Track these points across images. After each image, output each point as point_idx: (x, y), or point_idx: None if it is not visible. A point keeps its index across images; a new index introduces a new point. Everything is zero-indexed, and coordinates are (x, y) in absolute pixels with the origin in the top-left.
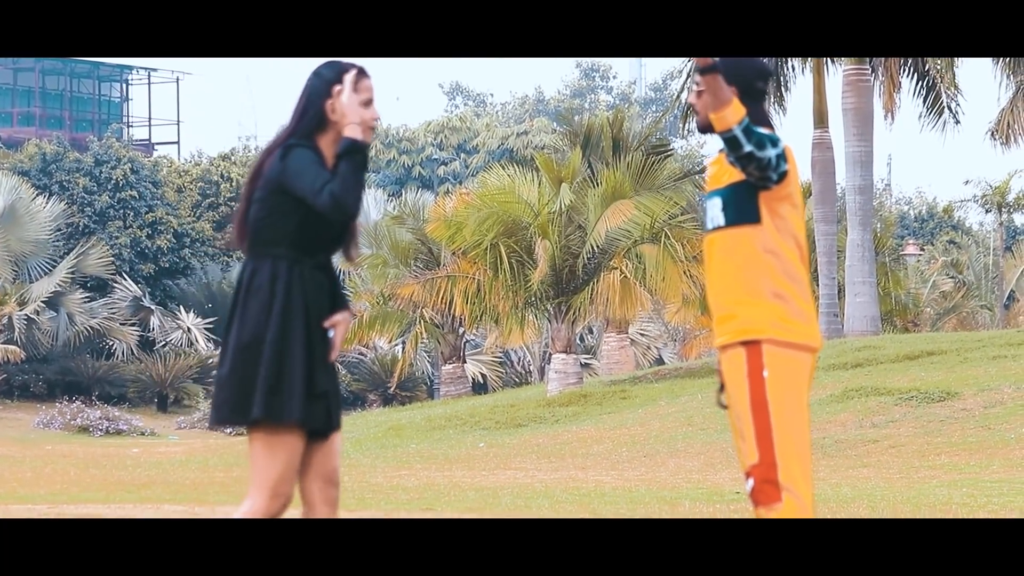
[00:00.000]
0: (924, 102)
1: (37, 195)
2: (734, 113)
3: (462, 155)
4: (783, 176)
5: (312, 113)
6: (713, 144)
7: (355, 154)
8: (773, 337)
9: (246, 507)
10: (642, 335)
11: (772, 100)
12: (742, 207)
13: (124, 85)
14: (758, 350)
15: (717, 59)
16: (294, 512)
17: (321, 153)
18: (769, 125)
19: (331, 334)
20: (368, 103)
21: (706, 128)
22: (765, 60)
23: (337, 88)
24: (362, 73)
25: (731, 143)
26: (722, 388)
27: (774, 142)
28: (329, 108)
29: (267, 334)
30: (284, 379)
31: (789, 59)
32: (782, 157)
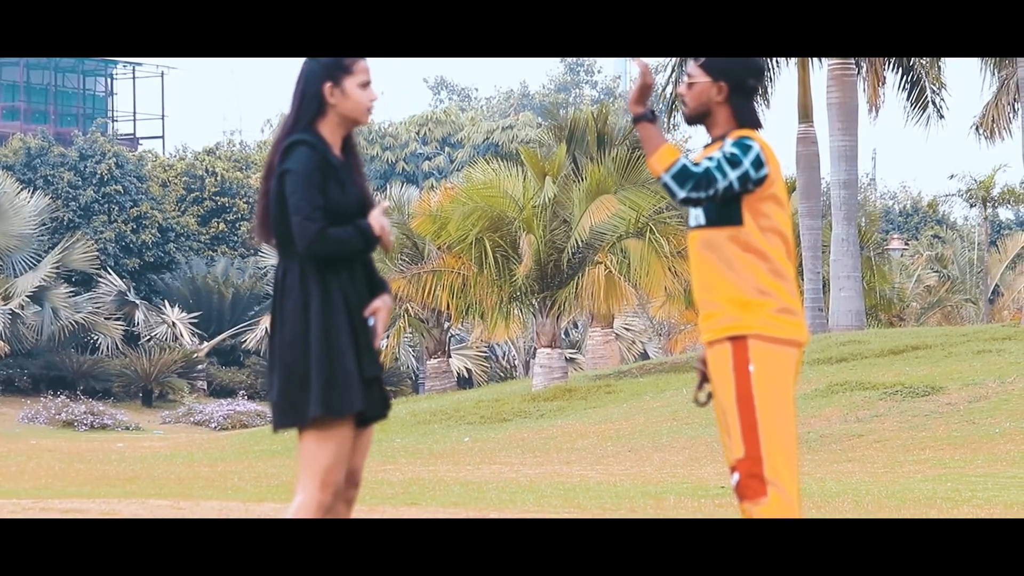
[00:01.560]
0: (908, 97)
1: (21, 189)
2: (660, 161)
3: (447, 149)
4: (763, 180)
5: (310, 97)
6: (698, 139)
7: (363, 241)
8: (759, 332)
9: (297, 501)
10: (627, 330)
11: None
12: (723, 209)
13: (109, 80)
14: (744, 345)
15: (648, 109)
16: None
17: (324, 142)
18: (757, 123)
19: (371, 321)
20: (365, 85)
21: (693, 120)
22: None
23: (336, 86)
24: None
25: (665, 189)
26: (700, 385)
27: (735, 162)
28: (327, 91)
29: (310, 331)
30: (338, 372)
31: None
32: (757, 163)
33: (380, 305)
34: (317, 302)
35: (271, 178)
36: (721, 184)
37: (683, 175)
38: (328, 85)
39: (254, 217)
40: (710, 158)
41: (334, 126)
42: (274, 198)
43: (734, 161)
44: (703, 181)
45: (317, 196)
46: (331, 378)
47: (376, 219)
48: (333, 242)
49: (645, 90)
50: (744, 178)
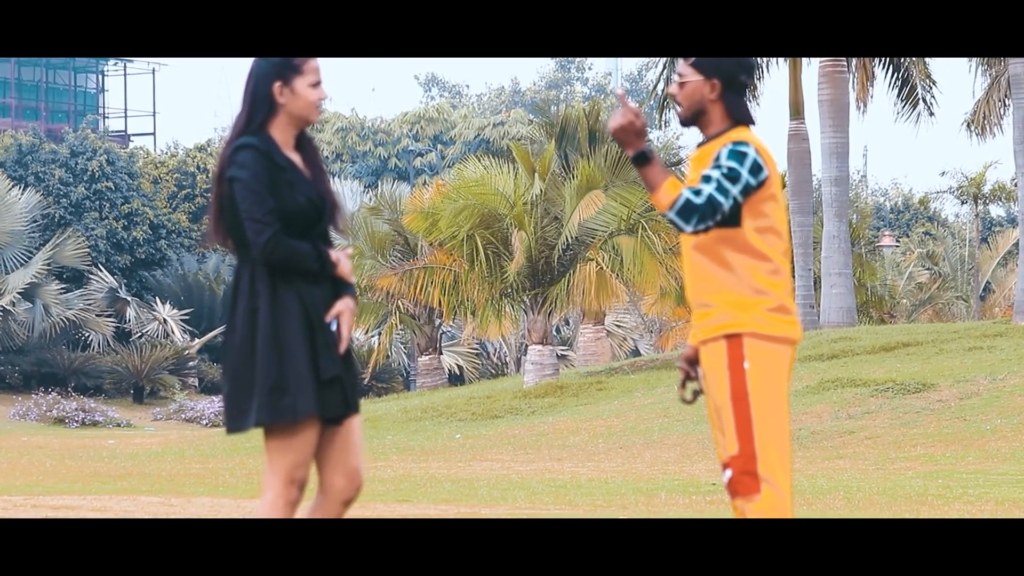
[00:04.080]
0: (899, 94)
1: (13, 186)
2: (665, 196)
3: (439, 146)
4: (763, 183)
5: (261, 99)
6: (691, 136)
7: (318, 263)
8: (754, 331)
9: (263, 500)
10: (618, 326)
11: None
12: None
13: (100, 76)
14: (739, 343)
15: (645, 146)
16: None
17: (272, 143)
18: (750, 119)
19: (334, 326)
20: (316, 84)
21: (688, 121)
22: None
23: (286, 86)
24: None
25: (672, 225)
26: (683, 383)
27: (734, 177)
28: (277, 91)
29: (257, 335)
30: (289, 376)
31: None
32: (755, 169)
33: (343, 308)
34: (265, 306)
35: (222, 181)
36: (726, 205)
37: (687, 211)
38: (278, 85)
39: (208, 219)
40: (707, 178)
41: (285, 126)
42: (226, 201)
43: (733, 176)
44: (707, 211)
45: (268, 199)
46: (279, 383)
47: (338, 256)
48: (288, 250)
49: (640, 132)
50: (745, 189)
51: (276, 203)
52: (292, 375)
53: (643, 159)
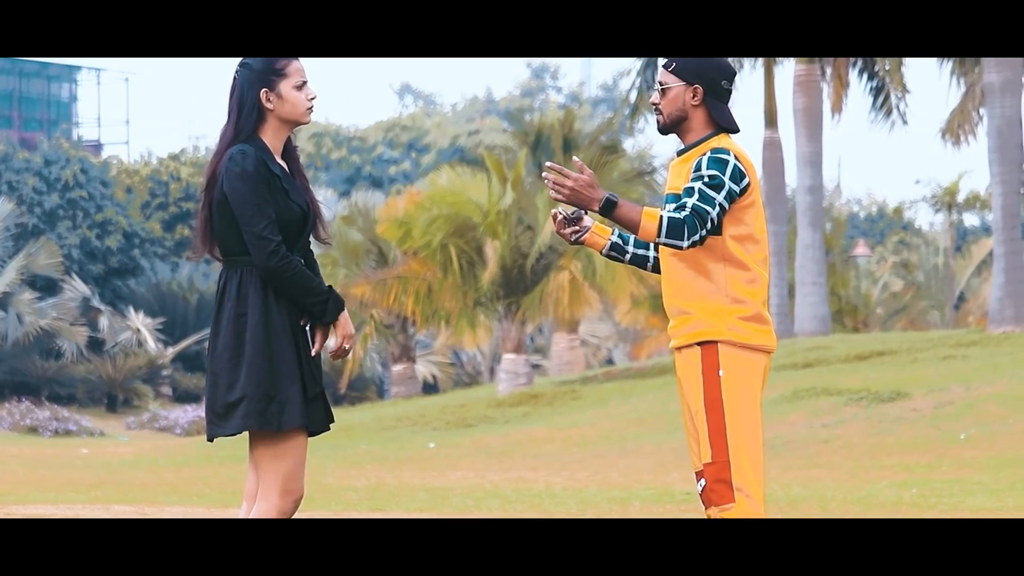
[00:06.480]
0: (874, 103)
1: None
2: (648, 225)
3: (413, 154)
4: (745, 190)
5: (249, 107)
6: (666, 145)
7: (322, 308)
8: (730, 339)
9: (258, 509)
10: (593, 336)
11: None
12: None
13: (73, 85)
14: (714, 350)
15: (605, 194)
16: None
17: (266, 150)
18: (734, 127)
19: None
20: (301, 86)
21: (669, 128)
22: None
23: (272, 91)
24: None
25: (668, 247)
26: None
27: (717, 185)
28: (264, 98)
29: (244, 343)
30: (278, 387)
31: (738, 58)
32: (737, 176)
33: (351, 331)
34: (255, 315)
35: (214, 188)
36: (714, 212)
37: (675, 230)
38: (264, 91)
39: (195, 229)
40: (690, 191)
41: (276, 130)
42: (217, 208)
43: (716, 185)
44: (695, 224)
45: (268, 208)
46: (268, 393)
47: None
48: (293, 275)
49: (591, 184)
50: (730, 195)
51: (273, 211)
52: (282, 386)
53: (609, 205)
